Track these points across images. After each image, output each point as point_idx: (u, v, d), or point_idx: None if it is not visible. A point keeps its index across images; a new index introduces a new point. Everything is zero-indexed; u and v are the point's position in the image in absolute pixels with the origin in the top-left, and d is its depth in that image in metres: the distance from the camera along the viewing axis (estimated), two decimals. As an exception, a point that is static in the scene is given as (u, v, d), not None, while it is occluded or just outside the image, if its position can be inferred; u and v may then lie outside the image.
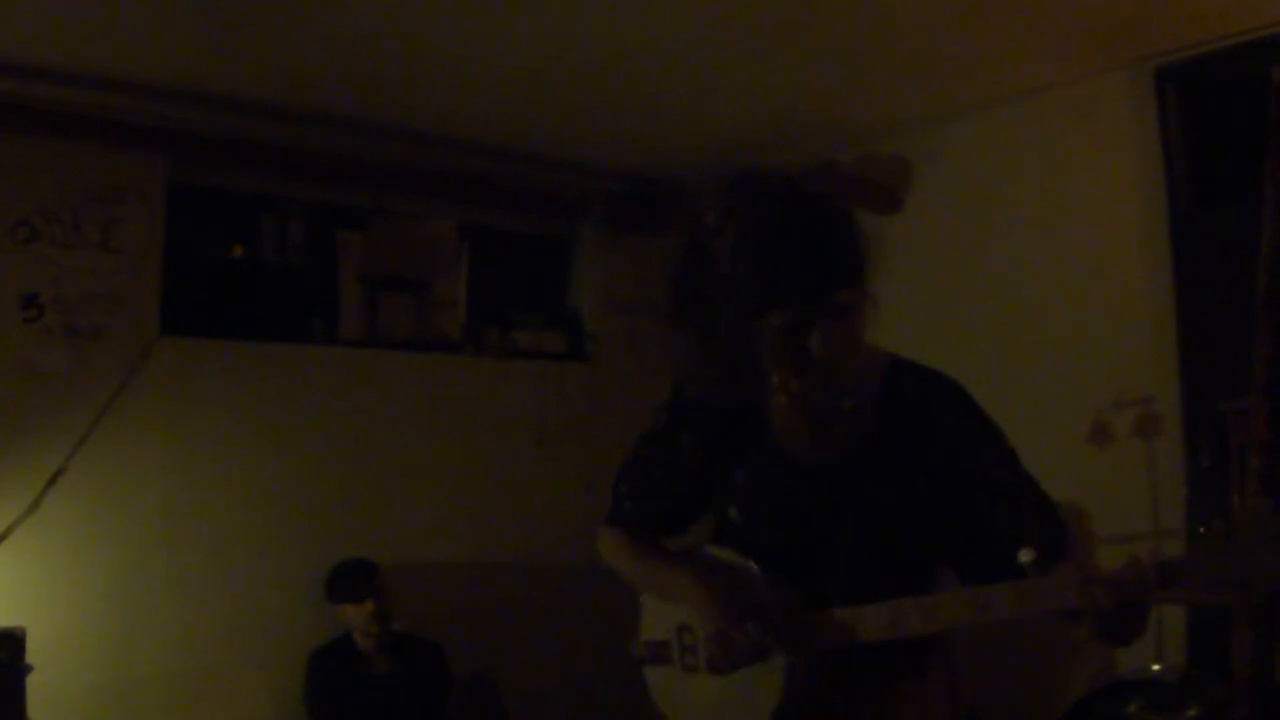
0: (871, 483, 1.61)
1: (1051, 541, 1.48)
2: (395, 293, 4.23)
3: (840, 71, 3.55)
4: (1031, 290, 3.70)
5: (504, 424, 4.43)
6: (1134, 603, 1.37)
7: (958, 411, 1.62)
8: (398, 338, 4.22)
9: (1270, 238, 2.47)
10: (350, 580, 3.73)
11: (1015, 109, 3.78)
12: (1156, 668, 2.93)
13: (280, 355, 3.96)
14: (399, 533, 4.10)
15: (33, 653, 3.01)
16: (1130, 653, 3.26)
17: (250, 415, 3.86)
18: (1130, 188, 3.49)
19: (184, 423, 3.73)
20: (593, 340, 4.71)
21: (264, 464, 3.87)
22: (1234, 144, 3.17)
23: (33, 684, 3.00)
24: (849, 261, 1.51)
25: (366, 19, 3.11)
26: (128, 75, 3.47)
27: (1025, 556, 1.42)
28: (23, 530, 3.40)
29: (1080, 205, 3.61)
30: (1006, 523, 1.54)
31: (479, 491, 4.32)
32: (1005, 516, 1.55)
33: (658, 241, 4.77)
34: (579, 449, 4.50)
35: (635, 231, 4.75)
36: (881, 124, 4.06)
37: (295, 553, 3.86)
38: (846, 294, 1.49)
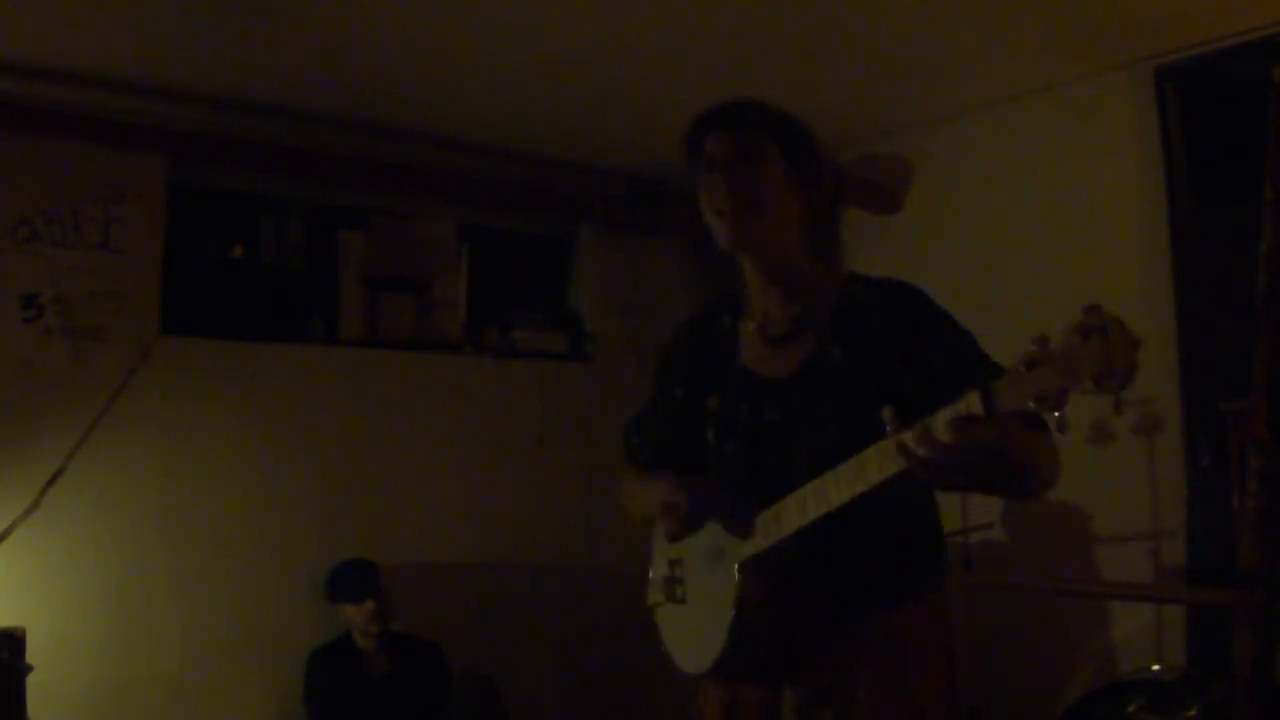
0: (826, 394, 1.63)
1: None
2: (395, 293, 4.23)
3: (840, 71, 3.55)
4: (1030, 290, 3.70)
5: (504, 424, 4.43)
6: (954, 444, 1.25)
7: (914, 317, 1.62)
8: (398, 338, 4.22)
9: (1270, 238, 2.46)
10: (350, 580, 3.73)
11: (1015, 109, 3.78)
12: (1156, 668, 2.94)
13: (280, 355, 3.96)
14: (399, 533, 4.10)
15: (33, 653, 3.01)
16: (1130, 653, 3.26)
17: (250, 415, 3.86)
18: (1130, 188, 3.49)
19: (184, 423, 3.73)
20: (593, 340, 4.71)
21: (264, 464, 3.87)
22: (1234, 144, 3.16)
23: (33, 684, 3.00)
24: (775, 122, 1.76)
25: (367, 19, 3.11)
26: (128, 75, 3.47)
27: (886, 413, 1.33)
28: (23, 530, 3.40)
29: (1080, 205, 3.61)
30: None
31: (479, 491, 4.31)
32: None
33: (658, 241, 4.77)
34: (579, 449, 4.49)
35: (635, 231, 4.76)
36: (881, 124, 4.06)
37: (295, 553, 3.86)
38: (762, 139, 1.72)
